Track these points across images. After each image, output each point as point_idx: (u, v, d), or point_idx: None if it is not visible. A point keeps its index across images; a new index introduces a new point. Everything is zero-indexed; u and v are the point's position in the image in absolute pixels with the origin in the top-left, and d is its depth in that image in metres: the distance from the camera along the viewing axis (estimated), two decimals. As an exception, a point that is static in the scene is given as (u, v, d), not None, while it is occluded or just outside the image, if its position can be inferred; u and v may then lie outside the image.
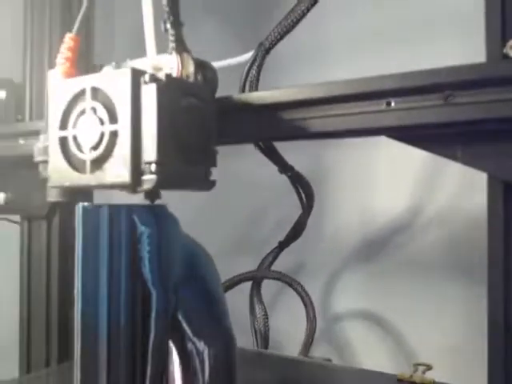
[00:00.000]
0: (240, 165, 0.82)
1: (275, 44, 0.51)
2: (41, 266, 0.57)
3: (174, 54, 0.34)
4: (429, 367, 0.46)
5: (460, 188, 0.71)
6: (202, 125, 0.34)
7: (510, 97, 0.28)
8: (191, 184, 0.34)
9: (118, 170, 0.31)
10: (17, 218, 0.59)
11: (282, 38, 0.51)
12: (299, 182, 0.65)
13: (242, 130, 0.36)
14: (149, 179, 0.31)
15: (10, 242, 0.60)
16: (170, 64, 0.35)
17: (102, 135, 0.32)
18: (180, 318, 0.30)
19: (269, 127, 0.35)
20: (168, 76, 0.32)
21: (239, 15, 0.86)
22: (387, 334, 0.79)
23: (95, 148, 0.32)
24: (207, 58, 0.39)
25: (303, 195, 0.66)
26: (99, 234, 0.29)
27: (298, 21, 0.49)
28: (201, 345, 0.30)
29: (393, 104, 0.31)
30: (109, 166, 0.31)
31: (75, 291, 0.29)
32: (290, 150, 0.63)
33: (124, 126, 0.31)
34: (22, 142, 0.49)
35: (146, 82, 0.31)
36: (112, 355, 0.28)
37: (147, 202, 0.32)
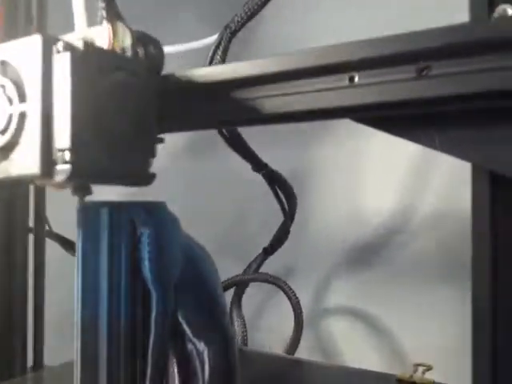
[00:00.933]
0: (225, 163, 0.78)
1: (241, 26, 0.47)
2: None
3: (104, 23, 0.29)
4: (429, 367, 0.46)
5: (452, 185, 0.67)
6: (135, 106, 0.29)
7: (499, 66, 0.23)
8: (121, 177, 0.29)
9: (26, 159, 0.26)
10: None
11: (248, 20, 0.46)
12: (278, 183, 0.60)
13: (185, 114, 0.30)
14: (62, 169, 0.25)
15: None
16: (102, 37, 0.30)
17: (10, 117, 0.27)
18: (180, 318, 0.30)
19: (216, 110, 0.30)
20: (87, 44, 0.26)
21: None
22: (377, 335, 0.76)
23: (2, 133, 0.27)
24: (173, 41, 0.35)
25: (283, 198, 0.60)
26: (99, 234, 0.28)
27: (265, 3, 0.44)
28: (201, 345, 0.30)
29: (356, 79, 0.26)
30: (16, 154, 0.26)
31: (75, 291, 0.29)
32: (270, 147, 0.58)
33: (33, 106, 0.26)
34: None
35: (58, 51, 0.25)
36: (112, 355, 0.28)
37: (148, 199, 0.30)
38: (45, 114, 0.26)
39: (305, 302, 0.68)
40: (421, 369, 0.45)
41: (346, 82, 0.26)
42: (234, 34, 0.46)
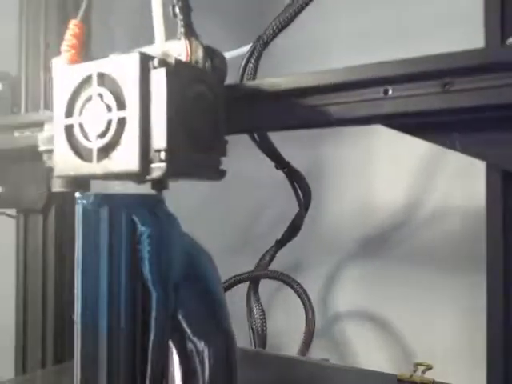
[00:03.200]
0: (238, 163, 0.82)
1: (273, 37, 0.52)
2: (37, 260, 0.55)
3: (182, 39, 0.34)
4: (429, 367, 0.46)
5: (460, 178, 0.71)
6: (211, 112, 0.34)
7: (509, 82, 0.29)
8: (201, 173, 0.34)
9: (126, 158, 0.31)
10: (13, 211, 0.57)
11: (280, 31, 0.52)
12: (296, 179, 0.65)
13: (248, 119, 0.36)
14: (158, 167, 0.31)
15: (6, 236, 0.58)
16: (178, 50, 0.34)
17: (110, 122, 0.31)
18: (180, 317, 0.30)
19: (271, 115, 0.35)
20: (177, 61, 0.32)
21: (239, 8, 0.86)
22: (386, 332, 0.78)
23: (102, 136, 0.32)
24: None
25: (300, 192, 0.66)
26: (99, 234, 0.29)
27: (297, 14, 0.50)
28: (201, 345, 0.30)
29: (390, 92, 0.32)
30: (116, 154, 0.31)
31: (75, 291, 0.29)
32: (287, 144, 0.63)
33: (132, 113, 0.31)
34: (17, 134, 0.48)
35: (155, 67, 0.31)
36: (112, 355, 0.28)
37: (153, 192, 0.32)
38: (142, 119, 0.31)
39: (314, 296, 0.68)
40: (421, 368, 0.46)
41: (381, 94, 0.33)
42: (266, 44, 0.52)
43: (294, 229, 0.68)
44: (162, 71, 0.30)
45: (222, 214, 0.90)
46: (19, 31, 0.56)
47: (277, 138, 0.60)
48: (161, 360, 0.29)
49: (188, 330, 0.30)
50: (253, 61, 0.52)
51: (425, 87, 0.32)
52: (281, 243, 0.69)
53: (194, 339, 0.30)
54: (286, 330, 0.78)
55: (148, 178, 0.31)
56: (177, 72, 0.31)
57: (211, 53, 0.36)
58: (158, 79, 0.31)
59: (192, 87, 0.32)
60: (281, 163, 0.61)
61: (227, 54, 0.56)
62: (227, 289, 0.65)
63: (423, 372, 0.46)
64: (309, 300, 0.65)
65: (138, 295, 0.29)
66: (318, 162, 0.83)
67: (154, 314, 0.29)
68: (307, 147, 0.80)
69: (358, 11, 0.77)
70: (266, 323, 0.67)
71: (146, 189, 0.32)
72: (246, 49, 0.53)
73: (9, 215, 0.57)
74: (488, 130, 0.31)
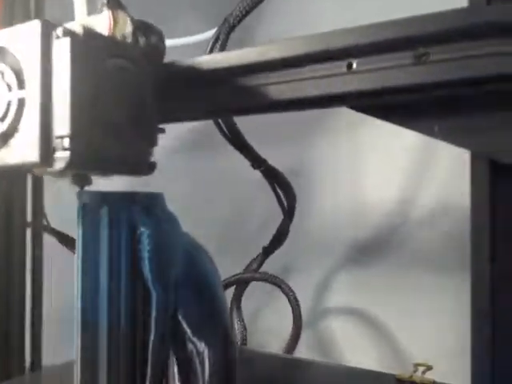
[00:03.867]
0: (226, 162, 0.78)
1: (240, 20, 0.47)
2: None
3: (104, 10, 0.29)
4: (429, 367, 0.46)
5: (452, 177, 0.67)
6: (134, 94, 0.29)
7: (498, 50, 0.23)
8: (121, 165, 0.29)
9: (25, 146, 0.26)
10: None
11: (247, 14, 0.47)
12: (276, 180, 0.59)
13: (185, 102, 0.30)
14: (61, 157, 0.25)
15: None
16: (102, 25, 0.30)
17: (9, 104, 0.26)
18: (180, 318, 0.30)
19: (212, 98, 0.29)
20: (87, 29, 0.26)
21: None
22: (378, 334, 0.76)
23: (2, 120, 0.27)
24: (171, 35, 0.35)
25: (282, 195, 0.60)
26: (99, 234, 0.28)
27: (264, -4, 0.44)
28: (201, 345, 0.30)
29: (355, 66, 0.26)
30: (15, 142, 0.26)
31: (75, 291, 0.29)
32: (269, 142, 0.58)
33: (32, 93, 0.26)
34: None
35: (58, 37, 0.25)
36: (112, 355, 0.28)
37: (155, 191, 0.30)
38: (44, 101, 0.25)
39: (304, 298, 0.67)
40: (421, 369, 0.45)
41: (344, 69, 0.26)
42: (232, 28, 0.46)
43: (279, 237, 0.64)
44: (67, 41, 0.25)
45: (208, 215, 0.86)
46: None
47: (257, 134, 0.55)
48: (161, 360, 0.29)
49: (188, 330, 0.30)
50: (218, 45, 0.46)
51: (396, 59, 0.25)
52: (267, 251, 0.65)
53: (194, 339, 0.30)
54: (274, 330, 0.76)
55: (49, 170, 0.26)
56: (85, 43, 0.26)
57: (145, 28, 0.31)
58: (62, 51, 0.25)
59: (107, 62, 0.27)
60: (256, 161, 0.55)
61: (193, 38, 0.52)
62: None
63: (423, 372, 0.45)
64: (295, 298, 0.62)
65: (138, 295, 0.28)
66: (306, 160, 0.78)
67: (153, 313, 0.28)
68: (292, 144, 0.75)
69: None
70: (247, 339, 0.62)
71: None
72: (211, 33, 0.48)
73: None
74: (472, 113, 0.24)
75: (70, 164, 0.25)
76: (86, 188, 0.30)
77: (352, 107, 0.27)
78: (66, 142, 0.25)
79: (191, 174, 0.89)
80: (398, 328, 0.74)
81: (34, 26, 0.26)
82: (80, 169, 0.27)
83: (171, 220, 0.30)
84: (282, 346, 0.65)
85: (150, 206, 0.29)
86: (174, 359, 0.30)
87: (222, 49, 0.47)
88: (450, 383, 0.42)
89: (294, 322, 0.64)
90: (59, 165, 0.25)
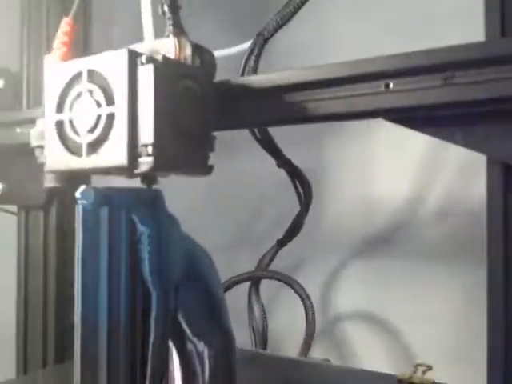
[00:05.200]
0: (239, 161, 0.82)
1: (274, 33, 0.51)
2: (38, 258, 0.56)
3: (171, 36, 0.34)
4: (429, 368, 0.46)
5: (462, 176, 0.70)
6: (199, 108, 0.34)
7: (510, 76, 0.28)
8: (189, 168, 0.34)
9: (114, 152, 0.31)
10: (14, 208, 0.58)
11: (280, 27, 0.51)
12: (297, 177, 0.64)
13: (239, 115, 0.35)
14: (145, 161, 0.30)
15: (8, 233, 0.59)
16: (167, 48, 0.35)
17: (99, 118, 0.32)
18: (180, 318, 0.30)
19: (267, 111, 0.35)
20: (165, 57, 0.32)
21: (238, 4, 0.86)
22: (388, 333, 0.77)
23: (91, 131, 0.32)
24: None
25: (301, 191, 0.65)
26: (99, 234, 0.29)
27: (297, 10, 0.49)
28: (200, 345, 0.30)
29: (391, 86, 0.31)
30: (105, 148, 0.31)
31: (75, 291, 0.29)
32: (287, 142, 0.62)
33: (121, 108, 0.31)
34: (18, 130, 0.48)
35: (142, 63, 0.30)
36: (112, 355, 0.28)
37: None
38: (131, 115, 0.31)
39: (315, 293, 0.69)
40: (421, 369, 0.45)
41: (383, 88, 0.31)
42: (266, 40, 0.51)
43: (294, 228, 0.67)
44: (150, 67, 0.30)
45: (222, 211, 0.90)
46: (21, 27, 0.57)
47: (277, 135, 0.59)
48: (161, 360, 0.29)
49: (188, 331, 0.30)
50: (253, 57, 0.51)
51: (426, 81, 0.30)
52: (281, 243, 0.68)
53: (194, 340, 0.30)
54: (287, 330, 0.78)
55: (136, 171, 0.31)
56: (164, 68, 0.31)
57: (200, 50, 0.36)
58: (146, 75, 0.30)
59: (179, 83, 0.32)
60: (282, 161, 0.60)
61: (227, 51, 0.56)
62: (227, 289, 0.64)
63: (423, 373, 0.45)
64: (309, 300, 0.64)
65: (138, 295, 0.29)
66: (319, 159, 0.82)
67: (154, 314, 0.29)
68: (308, 144, 0.79)
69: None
70: (267, 322, 0.66)
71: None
72: (246, 45, 0.52)
73: (10, 212, 0.58)
74: (489, 123, 0.30)
75: (154, 167, 0.30)
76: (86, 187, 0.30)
77: (388, 119, 0.33)
78: (150, 149, 0.30)
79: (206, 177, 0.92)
80: (410, 326, 0.74)
81: (122, 54, 0.31)
82: (160, 171, 0.32)
83: (171, 220, 0.31)
84: (293, 345, 0.65)
85: (150, 206, 0.30)
86: (174, 359, 0.30)
87: (257, 61, 0.51)
88: (450, 383, 0.43)
89: (307, 323, 0.64)
90: (144, 168, 0.30)
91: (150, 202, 0.31)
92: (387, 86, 0.31)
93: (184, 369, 0.30)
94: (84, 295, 0.28)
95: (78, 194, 0.29)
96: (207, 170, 0.35)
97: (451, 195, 0.72)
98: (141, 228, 0.29)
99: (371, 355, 0.77)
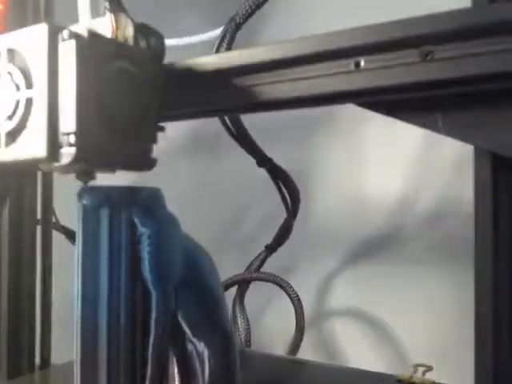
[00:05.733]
0: (229, 161, 0.78)
1: (246, 19, 0.47)
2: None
3: (107, 13, 0.30)
4: (429, 368, 0.45)
5: (454, 174, 0.67)
6: (136, 94, 0.29)
7: (500, 48, 0.23)
8: (123, 161, 0.29)
9: (32, 142, 0.27)
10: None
11: (253, 12, 0.47)
12: (280, 177, 0.60)
13: (186, 102, 0.31)
14: (67, 152, 0.26)
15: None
16: (105, 28, 0.30)
17: (18, 103, 0.27)
18: (180, 318, 0.29)
19: (218, 97, 0.30)
20: (92, 33, 0.27)
21: None
22: (380, 334, 0.75)
23: (10, 118, 0.28)
24: (178, 35, 0.35)
25: (286, 193, 0.60)
26: (99, 234, 0.28)
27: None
28: (201, 346, 0.30)
29: (362, 64, 0.26)
30: (23, 138, 0.27)
31: (75, 291, 0.29)
32: (271, 142, 0.58)
33: (40, 92, 0.26)
34: None
35: (64, 39, 0.26)
36: (112, 355, 0.28)
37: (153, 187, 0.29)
38: (51, 100, 0.26)
39: (306, 297, 0.67)
40: (421, 369, 0.45)
41: (352, 67, 0.26)
42: (238, 26, 0.46)
43: (283, 234, 0.63)
44: (72, 43, 0.26)
45: (209, 213, 0.86)
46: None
47: (260, 133, 0.55)
48: (161, 360, 0.29)
49: (188, 331, 0.30)
50: (225, 44, 0.47)
51: (402, 57, 0.25)
52: (270, 250, 0.64)
53: (194, 340, 0.30)
54: (276, 331, 0.76)
55: (56, 164, 0.26)
56: (90, 45, 0.26)
57: (146, 30, 0.31)
58: (68, 53, 0.26)
59: (111, 63, 0.27)
60: (262, 160, 0.55)
61: (199, 37, 0.52)
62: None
63: (423, 373, 0.44)
64: (298, 299, 0.62)
65: (138, 295, 0.28)
66: (307, 158, 0.78)
67: (154, 314, 0.28)
68: (294, 144, 0.75)
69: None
70: (251, 337, 0.62)
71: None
72: (217, 32, 0.48)
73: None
74: (474, 108, 0.24)
75: (76, 159, 0.26)
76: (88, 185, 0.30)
77: (358, 104, 0.27)
78: (72, 139, 0.26)
79: (193, 174, 0.89)
80: (399, 327, 0.73)
81: (41, 29, 0.26)
82: (85, 164, 0.27)
83: (171, 220, 0.30)
84: (284, 347, 0.65)
85: (151, 206, 0.29)
86: (174, 359, 0.30)
87: (229, 48, 0.47)
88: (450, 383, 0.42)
89: (297, 324, 0.63)
90: (65, 160, 0.26)
91: (150, 202, 0.30)
92: (357, 64, 0.26)
93: (184, 369, 0.30)
94: (84, 295, 0.28)
95: (78, 194, 0.28)
96: (148, 163, 0.31)
97: (443, 195, 0.69)
98: (141, 228, 0.28)
99: (360, 355, 0.74)
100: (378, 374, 0.48)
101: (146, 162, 0.30)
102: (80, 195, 0.29)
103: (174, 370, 0.30)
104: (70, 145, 0.26)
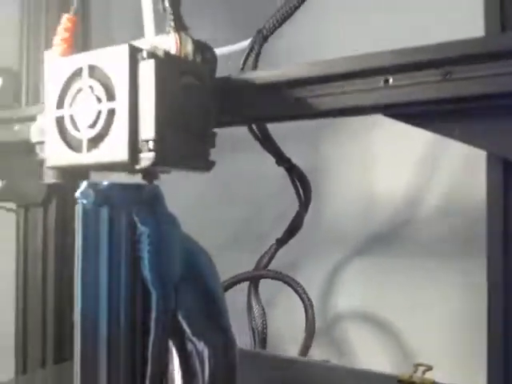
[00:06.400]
0: (240, 160, 0.82)
1: (273, 31, 0.51)
2: (37, 255, 0.56)
3: (172, 32, 0.34)
4: (429, 368, 0.46)
5: (463, 173, 0.70)
6: (200, 104, 0.34)
7: (510, 71, 0.28)
8: (189, 164, 0.34)
9: (115, 148, 0.31)
10: (13, 205, 0.58)
11: (280, 24, 0.51)
12: (296, 175, 0.65)
13: (239, 111, 0.35)
14: (146, 157, 0.31)
15: (7, 231, 0.59)
16: (168, 44, 0.35)
17: (99, 113, 0.32)
18: (180, 318, 0.30)
19: (267, 107, 0.35)
20: (166, 53, 0.32)
21: (238, 1, 0.86)
22: (388, 332, 0.77)
23: (92, 126, 0.32)
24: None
25: (300, 190, 0.65)
26: (99, 234, 0.29)
27: (297, 7, 0.48)
28: (201, 345, 0.30)
29: (391, 81, 0.31)
30: (106, 144, 0.31)
31: (75, 291, 0.29)
32: (286, 139, 0.62)
33: (121, 104, 0.31)
34: (17, 127, 0.48)
35: (143, 58, 0.31)
36: (112, 355, 0.28)
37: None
38: (132, 110, 0.31)
39: (314, 293, 0.68)
40: (421, 369, 0.45)
41: (382, 84, 0.32)
42: (266, 38, 0.51)
43: (293, 228, 0.66)
44: (151, 62, 0.30)
45: (222, 209, 0.90)
46: (20, 25, 0.57)
47: (276, 133, 0.59)
48: (161, 360, 0.29)
49: (188, 330, 0.30)
50: (253, 55, 0.51)
51: (425, 76, 0.31)
52: (281, 243, 0.67)
53: (194, 339, 0.30)
54: (287, 329, 0.78)
55: (137, 167, 0.31)
56: (165, 63, 0.31)
57: (201, 46, 0.36)
58: (147, 70, 0.30)
59: (180, 79, 0.32)
60: (282, 159, 0.60)
61: (227, 49, 0.56)
62: (227, 288, 0.64)
63: (423, 373, 0.45)
64: (309, 300, 0.64)
65: (138, 295, 0.29)
66: (317, 156, 0.82)
67: (154, 313, 0.29)
68: (307, 143, 0.79)
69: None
70: (267, 322, 0.66)
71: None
72: (245, 43, 0.52)
73: (9, 209, 0.58)
74: (489, 119, 0.30)
75: (155, 162, 0.30)
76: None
77: (387, 115, 0.33)
78: (151, 145, 0.30)
79: (206, 174, 0.92)
80: (408, 325, 0.73)
81: (123, 49, 0.31)
82: (161, 166, 0.32)
83: (171, 220, 0.31)
84: (293, 346, 0.64)
85: (151, 205, 0.30)
86: (174, 359, 0.30)
87: (257, 59, 0.51)
88: (450, 383, 0.42)
89: (307, 323, 0.63)
90: (145, 163, 0.30)
91: (150, 201, 0.30)
92: (387, 81, 0.31)
93: (184, 369, 0.30)
94: (84, 295, 0.28)
95: (78, 194, 0.29)
96: (208, 165, 0.35)
97: (452, 194, 0.72)
98: (141, 228, 0.29)
99: (370, 354, 0.76)
100: (378, 373, 0.48)
101: (206, 164, 0.34)
102: (80, 195, 0.29)
103: (174, 370, 0.31)
104: (149, 150, 0.30)
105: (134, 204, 0.29)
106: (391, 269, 0.76)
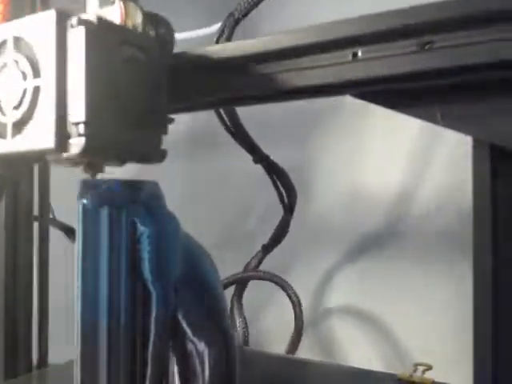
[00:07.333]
0: (226, 159, 0.78)
1: (245, 15, 0.47)
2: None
3: (116, 1, 0.30)
4: (429, 367, 0.45)
5: (454, 168, 0.67)
6: (147, 83, 0.29)
7: (498, 37, 0.24)
8: (134, 152, 0.29)
9: (40, 133, 0.27)
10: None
11: (252, 8, 0.47)
12: (276, 174, 0.60)
13: (196, 92, 0.31)
14: (76, 143, 0.26)
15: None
16: (113, 15, 0.31)
17: (24, 92, 0.27)
18: (180, 318, 0.30)
19: (231, 85, 0.30)
20: (101, 19, 0.27)
21: None
22: (380, 332, 0.75)
23: (17, 108, 0.28)
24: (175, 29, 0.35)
25: (283, 191, 0.61)
26: (99, 234, 0.28)
27: (270, -12, 0.45)
28: (201, 345, 0.30)
29: (360, 54, 0.27)
30: (30, 129, 0.27)
31: (75, 291, 0.29)
32: (269, 137, 0.58)
33: (47, 81, 0.26)
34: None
35: (72, 26, 0.26)
36: (112, 355, 0.28)
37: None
38: (59, 89, 0.26)
39: (305, 294, 0.67)
40: (420, 368, 0.45)
41: (350, 58, 0.27)
42: (237, 21, 0.47)
43: (280, 233, 0.63)
44: (81, 30, 0.26)
45: (207, 211, 0.86)
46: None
47: (258, 130, 0.56)
48: (161, 360, 0.29)
49: (188, 331, 0.30)
50: (223, 40, 0.47)
51: (400, 47, 0.26)
52: (267, 248, 0.64)
53: (194, 339, 0.30)
54: (275, 330, 0.76)
55: (65, 155, 0.26)
56: (99, 32, 0.26)
57: (154, 19, 0.32)
58: (77, 40, 0.26)
59: (120, 51, 0.28)
60: (258, 156, 0.56)
61: (196, 33, 0.53)
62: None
63: (423, 372, 0.45)
64: (296, 296, 0.62)
65: (138, 295, 0.28)
66: (304, 155, 0.79)
67: (154, 313, 0.28)
68: (291, 138, 0.75)
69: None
70: (249, 338, 0.63)
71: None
72: (216, 27, 0.49)
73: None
74: (473, 100, 0.25)
75: (85, 150, 0.26)
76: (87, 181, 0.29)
77: (355, 95, 0.28)
78: (81, 128, 0.26)
79: (191, 173, 0.89)
80: (399, 324, 0.73)
81: (49, 16, 0.26)
82: (94, 155, 0.27)
83: (171, 220, 0.30)
84: (283, 346, 0.64)
85: (151, 205, 0.29)
86: (174, 359, 0.30)
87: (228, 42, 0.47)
88: (450, 383, 0.42)
89: (296, 323, 0.63)
90: (74, 150, 0.26)
91: (150, 201, 0.29)
92: (355, 54, 0.27)
93: (184, 369, 0.30)
94: (84, 295, 0.28)
95: (78, 194, 0.28)
96: (159, 156, 0.31)
97: (442, 191, 0.69)
98: (141, 228, 0.28)
99: (359, 353, 0.74)
100: (378, 372, 0.48)
101: (156, 154, 0.30)
102: (80, 195, 0.28)
103: (174, 370, 0.30)
104: (80, 135, 0.26)
105: (134, 204, 0.29)
106: (384, 268, 0.73)
